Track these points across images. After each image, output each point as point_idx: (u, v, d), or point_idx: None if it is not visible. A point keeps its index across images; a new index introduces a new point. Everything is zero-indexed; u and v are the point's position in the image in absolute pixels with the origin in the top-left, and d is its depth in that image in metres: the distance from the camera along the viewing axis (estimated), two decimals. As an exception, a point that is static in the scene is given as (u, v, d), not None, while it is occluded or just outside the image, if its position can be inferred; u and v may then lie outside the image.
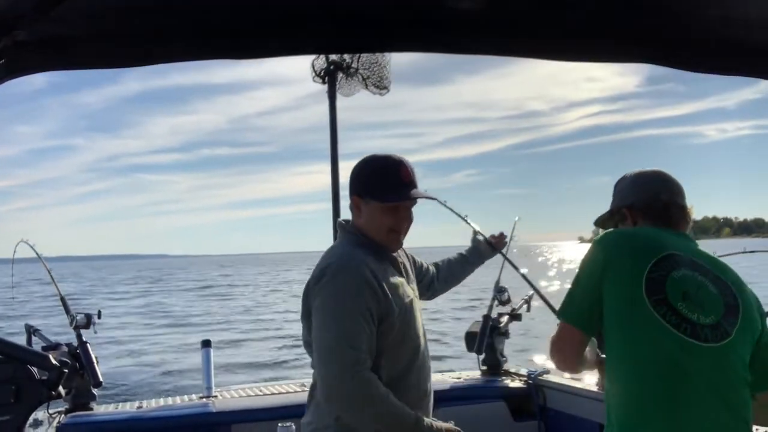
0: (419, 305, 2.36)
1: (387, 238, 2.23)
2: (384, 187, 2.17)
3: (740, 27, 1.90)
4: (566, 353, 1.99)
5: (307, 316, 2.20)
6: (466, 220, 3.24)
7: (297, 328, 2.35)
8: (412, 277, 2.42)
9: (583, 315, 1.93)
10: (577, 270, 2.00)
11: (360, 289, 2.09)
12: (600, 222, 2.22)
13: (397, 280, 2.24)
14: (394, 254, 2.32)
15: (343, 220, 2.34)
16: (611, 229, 2.07)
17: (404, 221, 2.24)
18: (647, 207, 2.02)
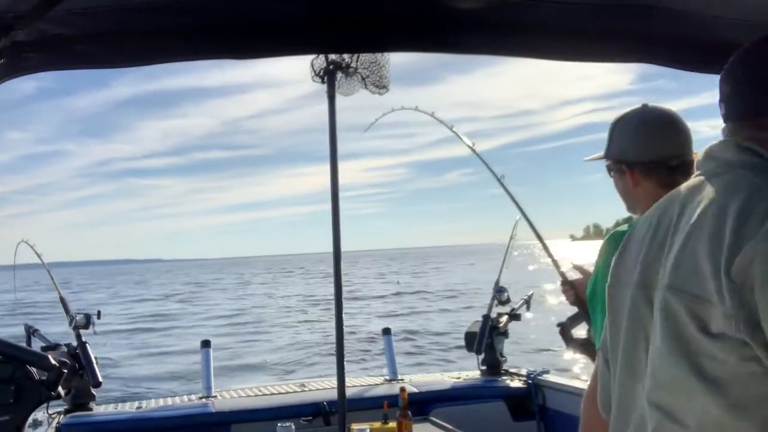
0: None
1: None
2: None
3: (739, 27, 1.91)
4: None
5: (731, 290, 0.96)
6: None
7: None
8: None
9: None
10: (600, 283, 1.67)
11: None
12: (592, 159, 1.98)
13: None
14: None
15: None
16: (623, 230, 1.83)
17: None
18: (650, 169, 1.81)
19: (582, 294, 2.20)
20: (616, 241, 1.72)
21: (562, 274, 2.37)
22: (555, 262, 2.76)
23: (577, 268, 2.32)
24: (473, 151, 3.15)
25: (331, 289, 2.84)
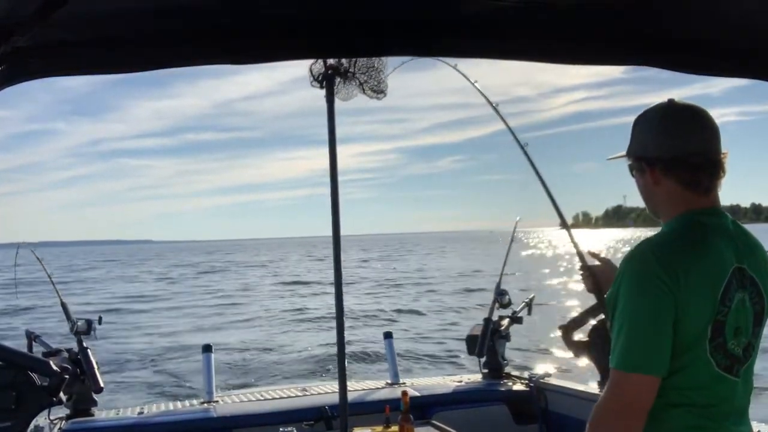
0: None
1: None
2: None
3: (738, 30, 1.92)
4: (644, 408, 1.56)
5: None
6: None
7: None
8: None
9: (661, 357, 1.56)
10: (625, 300, 1.58)
11: None
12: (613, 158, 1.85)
13: None
14: None
15: None
16: (658, 244, 1.65)
17: None
18: (670, 166, 1.69)
19: (602, 281, 2.15)
20: (645, 264, 1.59)
21: (582, 260, 2.30)
22: (577, 248, 2.64)
23: (594, 255, 2.27)
24: (496, 110, 2.97)
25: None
